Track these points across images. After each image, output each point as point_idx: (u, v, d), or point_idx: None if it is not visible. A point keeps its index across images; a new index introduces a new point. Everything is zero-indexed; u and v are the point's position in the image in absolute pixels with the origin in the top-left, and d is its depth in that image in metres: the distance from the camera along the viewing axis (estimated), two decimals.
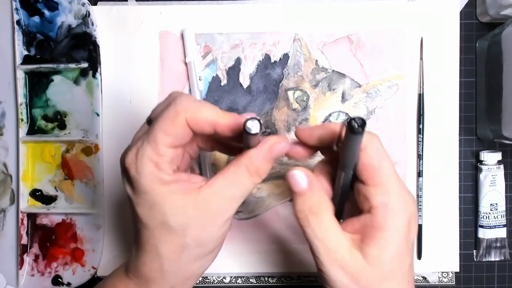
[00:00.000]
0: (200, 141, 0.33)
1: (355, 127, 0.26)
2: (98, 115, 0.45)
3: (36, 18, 0.46)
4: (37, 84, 0.47)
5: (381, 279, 0.29)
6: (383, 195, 0.29)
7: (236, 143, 0.33)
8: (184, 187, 0.29)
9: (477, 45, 0.47)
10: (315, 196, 0.30)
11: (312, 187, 0.30)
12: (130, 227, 0.47)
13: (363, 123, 0.26)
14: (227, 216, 0.30)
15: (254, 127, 0.28)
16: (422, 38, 0.45)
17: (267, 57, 0.46)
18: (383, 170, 0.30)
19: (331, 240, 0.29)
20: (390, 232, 0.29)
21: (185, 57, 0.46)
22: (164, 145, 0.29)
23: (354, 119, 0.26)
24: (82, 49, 0.46)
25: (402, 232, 0.29)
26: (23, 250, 0.46)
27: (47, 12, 0.46)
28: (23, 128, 0.46)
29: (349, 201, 0.33)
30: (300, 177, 0.30)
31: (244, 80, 0.46)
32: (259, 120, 0.28)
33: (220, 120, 0.29)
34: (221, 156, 0.46)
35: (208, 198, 0.29)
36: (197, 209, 0.29)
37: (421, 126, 0.45)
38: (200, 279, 0.47)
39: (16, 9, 0.45)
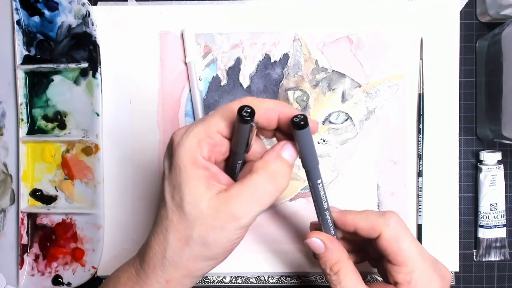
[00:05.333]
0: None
1: (299, 123, 0.28)
2: (98, 115, 0.45)
3: (36, 18, 0.46)
4: (37, 84, 0.47)
5: None
6: (406, 273, 0.32)
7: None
8: (209, 178, 0.30)
9: (477, 45, 0.47)
10: (333, 257, 0.34)
11: (329, 249, 0.34)
12: (130, 227, 0.47)
13: (304, 116, 0.28)
14: (240, 223, 0.29)
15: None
16: (422, 38, 0.45)
17: (267, 57, 0.46)
18: (404, 251, 0.32)
19: None
20: None
21: (185, 57, 0.46)
22: (216, 128, 0.30)
23: (296, 116, 0.28)
24: (82, 49, 0.46)
25: None
26: (23, 250, 0.46)
27: (47, 12, 0.46)
28: (23, 128, 0.46)
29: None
30: (317, 243, 0.34)
31: (244, 80, 0.46)
32: (305, 117, 0.29)
33: (283, 108, 0.30)
34: None
35: (224, 201, 0.29)
36: (211, 208, 0.29)
37: (421, 126, 0.45)
38: (200, 278, 0.47)
39: (16, 9, 0.45)
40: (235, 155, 0.32)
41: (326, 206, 0.34)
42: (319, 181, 0.33)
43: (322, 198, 0.34)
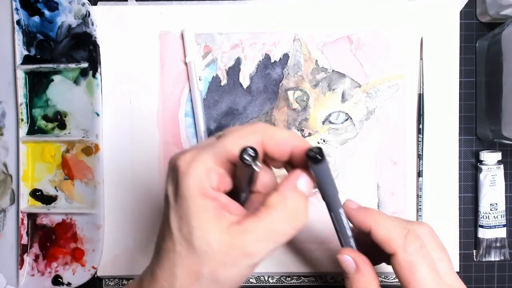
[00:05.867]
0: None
1: (315, 157, 0.26)
2: (98, 115, 0.45)
3: (36, 18, 0.46)
4: (37, 84, 0.47)
5: None
6: None
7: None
8: (219, 209, 0.27)
9: (477, 45, 0.47)
10: (363, 282, 0.31)
11: (361, 273, 0.31)
12: (130, 227, 0.47)
13: (320, 150, 0.26)
14: (253, 261, 0.27)
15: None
16: (422, 38, 0.45)
17: (267, 57, 0.46)
18: (416, 281, 0.29)
19: None
20: None
21: (185, 57, 0.46)
22: (226, 157, 0.27)
23: (311, 149, 0.26)
24: (82, 49, 0.46)
25: None
26: (23, 250, 0.46)
27: (47, 12, 0.46)
28: (23, 128, 0.46)
29: None
30: (349, 262, 0.31)
31: (244, 80, 0.46)
32: (321, 149, 0.27)
33: (297, 141, 0.28)
34: None
35: (236, 236, 0.27)
36: (222, 243, 0.27)
37: (421, 126, 0.45)
38: None
39: (16, 9, 0.45)
40: (238, 189, 0.30)
41: (350, 234, 0.32)
42: (341, 210, 0.31)
43: (345, 226, 0.32)
